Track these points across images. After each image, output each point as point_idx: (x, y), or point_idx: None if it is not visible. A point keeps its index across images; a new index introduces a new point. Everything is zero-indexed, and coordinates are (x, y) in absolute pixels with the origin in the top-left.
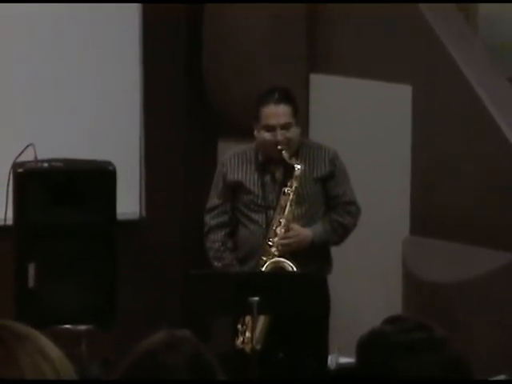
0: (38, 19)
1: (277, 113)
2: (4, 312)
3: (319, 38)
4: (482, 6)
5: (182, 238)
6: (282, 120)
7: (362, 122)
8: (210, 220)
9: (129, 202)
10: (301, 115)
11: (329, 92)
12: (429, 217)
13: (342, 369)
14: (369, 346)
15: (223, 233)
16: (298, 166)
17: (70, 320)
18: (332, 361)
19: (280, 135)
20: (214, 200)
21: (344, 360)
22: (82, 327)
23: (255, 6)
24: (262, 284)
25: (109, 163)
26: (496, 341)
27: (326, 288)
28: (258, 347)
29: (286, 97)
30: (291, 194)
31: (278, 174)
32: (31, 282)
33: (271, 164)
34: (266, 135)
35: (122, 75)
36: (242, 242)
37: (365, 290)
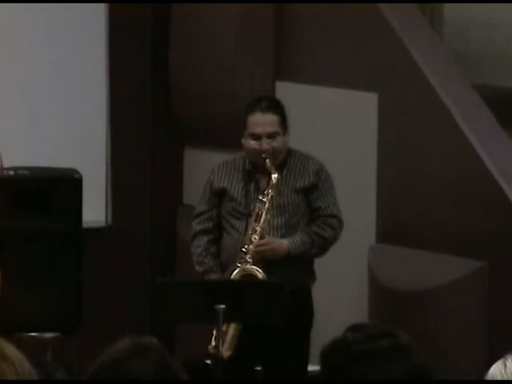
0: (1, 23)
1: (263, 122)
2: None
3: (285, 46)
4: (448, 12)
5: (148, 246)
6: (268, 129)
7: (328, 130)
8: (196, 225)
9: (95, 210)
10: None
11: (295, 100)
12: (395, 225)
13: (310, 377)
14: (331, 354)
15: (207, 238)
16: (275, 175)
17: (35, 327)
18: None
19: (265, 144)
20: (200, 206)
21: (312, 368)
22: (48, 335)
23: (223, 13)
24: (229, 292)
25: (75, 171)
26: (462, 348)
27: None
28: (229, 354)
29: (274, 106)
30: (266, 203)
31: (262, 183)
32: None
33: (257, 172)
34: (252, 143)
35: (87, 82)
36: (224, 249)
37: (331, 298)
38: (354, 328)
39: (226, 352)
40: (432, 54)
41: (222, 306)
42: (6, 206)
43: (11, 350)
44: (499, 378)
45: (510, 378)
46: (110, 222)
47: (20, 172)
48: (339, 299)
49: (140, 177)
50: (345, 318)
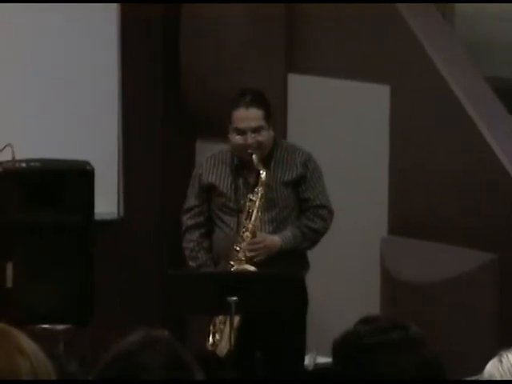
0: (15, 20)
1: (247, 116)
2: None
3: (297, 38)
4: (459, 4)
5: (160, 238)
6: (253, 124)
7: (340, 123)
8: (187, 220)
9: (107, 202)
10: (278, 115)
11: (307, 92)
12: (407, 216)
13: (320, 369)
14: (343, 346)
15: (199, 233)
16: (264, 173)
17: (47, 319)
18: (310, 361)
19: (250, 138)
20: (190, 201)
21: (322, 360)
22: (60, 327)
23: (233, 6)
24: (241, 284)
25: (87, 163)
26: (473, 340)
27: (303, 287)
28: (227, 350)
29: (258, 100)
30: (257, 201)
31: (251, 179)
32: (9, 282)
33: (245, 168)
34: (237, 138)
35: (100, 76)
36: (215, 243)
37: (343, 290)
38: (366, 320)
39: (224, 348)
40: (444, 46)
41: (234, 298)
42: (18, 197)
43: (27, 343)
44: (496, 375)
45: (506, 374)
46: (121, 214)
47: (32, 164)
48: (351, 291)
49: (152, 169)
50: (356, 309)
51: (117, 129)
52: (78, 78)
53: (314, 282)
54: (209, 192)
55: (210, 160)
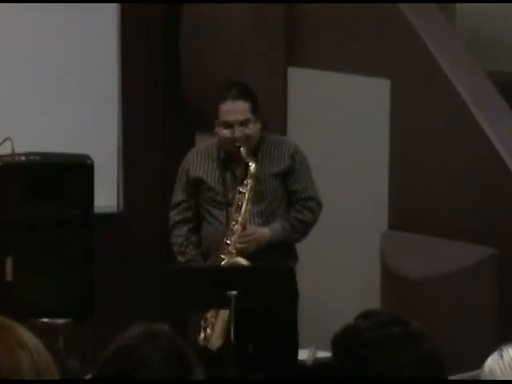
0: (16, 18)
1: (234, 109)
2: None
3: (297, 32)
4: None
5: (160, 232)
6: (240, 117)
7: (340, 117)
8: (175, 216)
9: (106, 196)
10: (279, 109)
11: (307, 86)
12: (407, 211)
13: (319, 363)
14: (342, 341)
15: (187, 228)
16: (253, 165)
17: (47, 314)
18: (309, 355)
19: (238, 132)
20: (178, 196)
21: (321, 354)
22: (60, 321)
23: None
24: (241, 277)
25: (86, 157)
26: (473, 335)
27: (295, 280)
28: (219, 344)
29: (244, 93)
30: (246, 193)
31: (239, 172)
32: (9, 276)
33: (232, 161)
34: (225, 132)
35: (99, 69)
36: (204, 238)
37: (343, 285)
38: (366, 315)
39: (216, 342)
40: (445, 41)
41: (234, 292)
42: (17, 191)
43: (28, 337)
44: (497, 370)
45: (507, 369)
46: (121, 207)
47: (31, 158)
48: (351, 286)
49: (151, 162)
50: (356, 304)
51: (117, 122)
52: (78, 72)
53: (314, 276)
54: (196, 186)
55: (196, 154)
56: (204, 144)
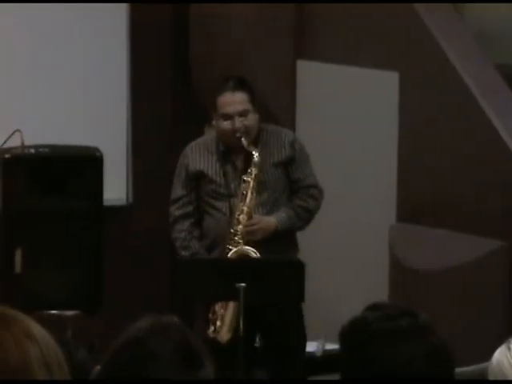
0: (26, 13)
1: (233, 101)
2: None
3: (306, 25)
4: None
5: (169, 224)
6: (239, 107)
7: (349, 109)
8: (175, 211)
9: (116, 189)
10: (287, 102)
11: (316, 79)
12: (416, 204)
13: (328, 355)
14: (350, 333)
15: (189, 222)
16: (256, 154)
17: (56, 306)
18: (318, 347)
19: (238, 123)
20: (177, 191)
21: (330, 347)
22: (68, 313)
23: None
24: (250, 270)
25: (96, 149)
26: (482, 328)
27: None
28: (228, 336)
29: (241, 84)
30: (251, 182)
31: (239, 162)
32: (18, 268)
33: (232, 153)
34: (225, 124)
35: (109, 62)
36: (208, 231)
37: (352, 277)
38: (374, 307)
39: (225, 335)
40: (453, 34)
41: (243, 284)
42: (26, 184)
43: (37, 329)
44: (504, 362)
45: None
46: (130, 200)
47: (41, 150)
48: (359, 278)
49: (160, 155)
50: (364, 297)
51: (126, 115)
52: (88, 66)
53: (323, 268)
54: (197, 180)
55: (194, 149)
56: (201, 138)
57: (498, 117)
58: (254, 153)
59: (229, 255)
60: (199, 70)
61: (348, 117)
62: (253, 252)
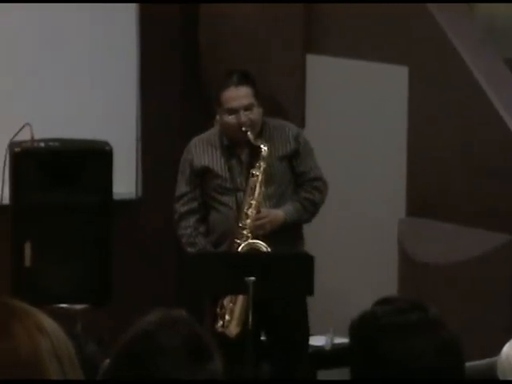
0: (37, 9)
1: (238, 95)
2: (0, 291)
3: (316, 19)
4: None
5: (174, 222)
6: (244, 101)
7: (359, 103)
8: (180, 207)
9: (125, 182)
10: (297, 96)
11: (325, 73)
12: (425, 198)
13: (337, 349)
14: (360, 327)
15: (194, 218)
16: (265, 147)
17: (65, 299)
18: (327, 341)
19: (243, 117)
20: (182, 188)
21: (339, 341)
22: (78, 307)
23: None
24: (259, 264)
25: (105, 143)
26: (490, 322)
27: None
28: (238, 330)
29: (245, 78)
30: (260, 175)
31: (244, 156)
32: (27, 261)
33: (236, 147)
34: (230, 118)
35: (118, 56)
36: (214, 226)
37: (361, 272)
38: (384, 301)
39: (234, 329)
40: (463, 28)
41: (252, 278)
42: (36, 177)
43: (48, 322)
44: None
45: None
46: (140, 194)
47: (51, 144)
48: (369, 272)
49: (170, 149)
50: (374, 291)
51: (136, 109)
52: (97, 59)
53: (332, 263)
54: (202, 176)
55: (198, 144)
56: (204, 134)
57: (507, 111)
58: (262, 146)
59: (239, 249)
60: (208, 66)
61: (357, 111)
62: (263, 246)
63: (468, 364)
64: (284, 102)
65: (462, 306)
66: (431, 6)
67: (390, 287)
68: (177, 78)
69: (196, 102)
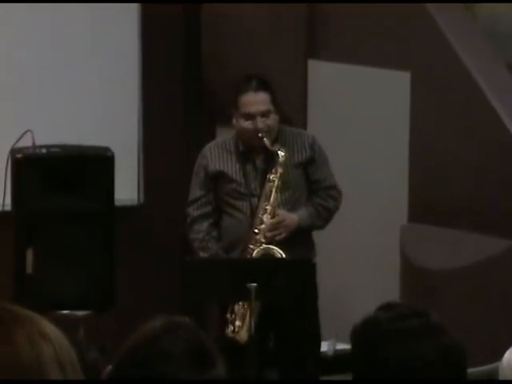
0: (38, 12)
1: (256, 101)
2: (2, 298)
3: (318, 24)
4: None
5: (180, 224)
6: (262, 107)
7: (360, 109)
8: (193, 211)
9: (127, 188)
10: (299, 101)
11: (327, 78)
12: (427, 204)
13: (339, 355)
14: (362, 333)
15: (207, 223)
16: (282, 153)
17: (68, 305)
18: (329, 347)
19: (260, 123)
20: (196, 192)
21: (341, 346)
22: (80, 313)
23: None
24: (261, 270)
25: (107, 149)
26: (495, 328)
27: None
28: (247, 336)
29: (264, 84)
30: (276, 181)
31: (259, 162)
32: (29, 268)
33: (252, 152)
34: (246, 124)
35: (120, 61)
36: (227, 231)
37: (363, 277)
38: (386, 307)
39: (245, 335)
40: (465, 33)
41: (254, 285)
42: (38, 184)
43: (50, 328)
44: None
45: None
46: (142, 200)
47: (52, 150)
48: (371, 277)
49: (172, 155)
50: (376, 297)
51: (137, 115)
52: (99, 65)
53: (335, 268)
54: (217, 180)
55: (213, 149)
56: (219, 139)
57: (509, 116)
58: (279, 152)
59: (253, 255)
60: (211, 70)
61: (359, 116)
62: (277, 251)
63: (470, 370)
64: (286, 107)
65: (464, 312)
66: (433, 11)
67: (392, 293)
68: (179, 84)
69: (198, 108)
